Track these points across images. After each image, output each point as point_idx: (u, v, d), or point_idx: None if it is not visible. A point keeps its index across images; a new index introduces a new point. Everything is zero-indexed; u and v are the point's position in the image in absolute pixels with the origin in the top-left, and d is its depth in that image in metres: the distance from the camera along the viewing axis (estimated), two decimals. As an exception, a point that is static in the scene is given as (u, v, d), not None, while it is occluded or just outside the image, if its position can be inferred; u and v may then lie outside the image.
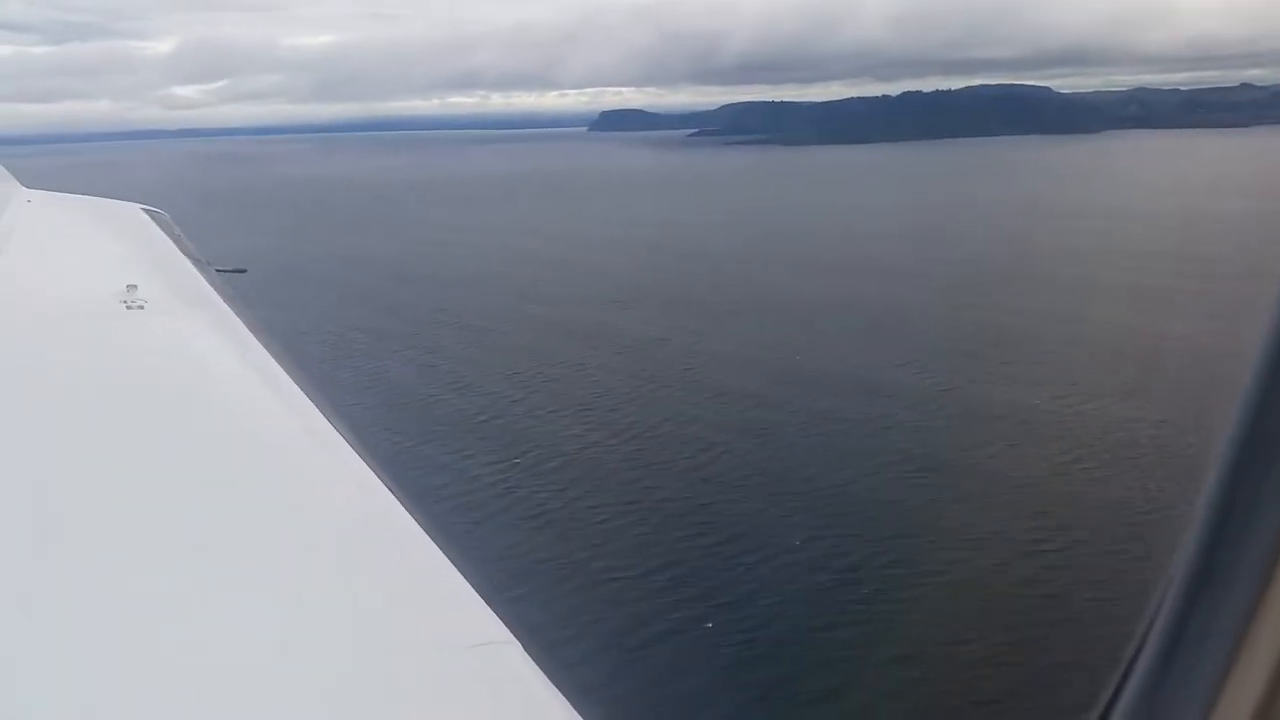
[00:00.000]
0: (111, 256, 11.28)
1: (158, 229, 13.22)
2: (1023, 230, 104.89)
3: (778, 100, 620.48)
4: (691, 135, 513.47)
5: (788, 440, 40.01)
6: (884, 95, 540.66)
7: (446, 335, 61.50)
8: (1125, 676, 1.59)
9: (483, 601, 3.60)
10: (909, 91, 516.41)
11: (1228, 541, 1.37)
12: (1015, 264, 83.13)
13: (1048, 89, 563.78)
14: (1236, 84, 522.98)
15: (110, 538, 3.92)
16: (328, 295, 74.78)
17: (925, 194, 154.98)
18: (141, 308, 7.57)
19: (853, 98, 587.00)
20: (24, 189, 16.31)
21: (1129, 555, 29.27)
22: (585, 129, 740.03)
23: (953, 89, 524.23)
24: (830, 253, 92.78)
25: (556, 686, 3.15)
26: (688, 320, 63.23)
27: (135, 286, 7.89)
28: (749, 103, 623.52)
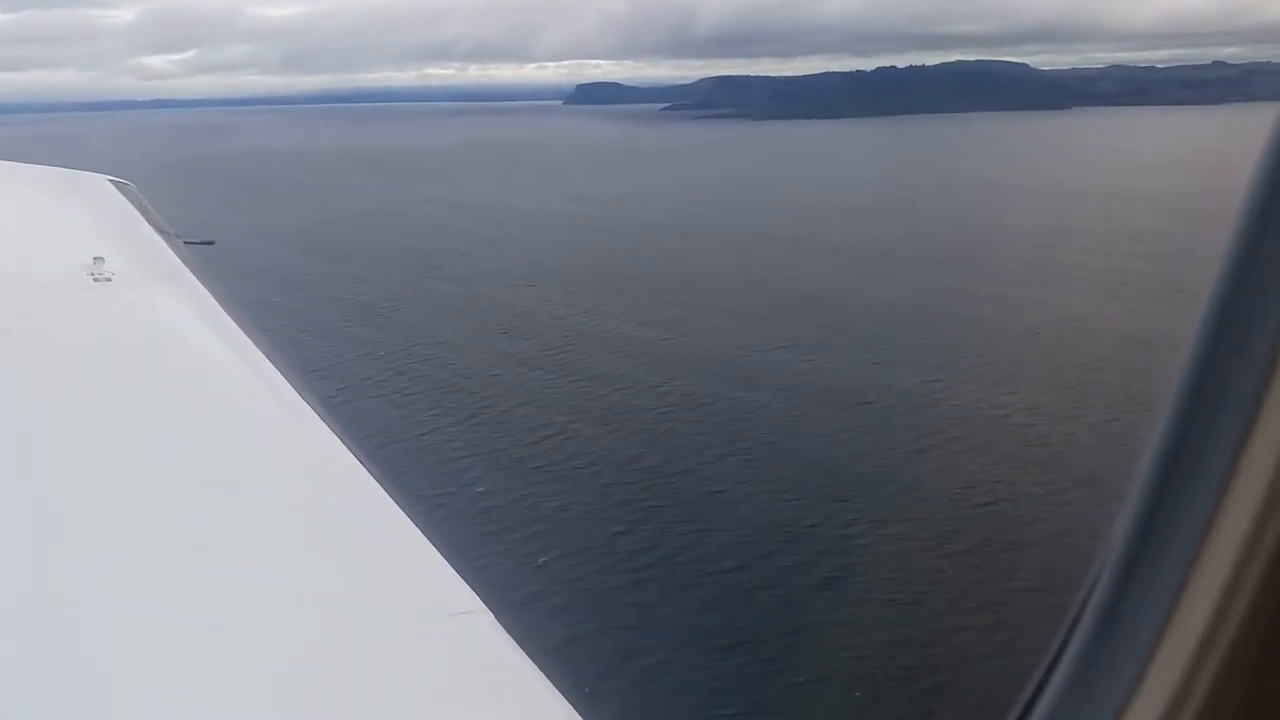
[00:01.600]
0: (77, 228, 11.09)
1: (125, 200, 12.88)
2: (975, 207, 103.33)
3: (752, 75, 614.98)
4: (664, 109, 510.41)
5: (634, 426, 38.52)
6: (858, 70, 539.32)
7: (329, 311, 59.61)
8: (1047, 674, 1.58)
9: (454, 571, 3.59)
10: (883, 67, 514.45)
11: (1154, 534, 1.38)
12: (958, 242, 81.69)
13: (1024, 65, 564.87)
14: (1209, 61, 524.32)
15: (79, 511, 3.95)
16: (230, 266, 72.64)
17: (885, 169, 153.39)
18: (109, 280, 7.46)
19: (826, 72, 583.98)
20: None
21: (940, 550, 28.10)
22: (561, 102, 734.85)
23: (927, 64, 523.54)
24: (770, 229, 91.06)
25: (528, 654, 3.18)
26: (590, 300, 61.62)
27: (102, 259, 7.77)
28: (723, 77, 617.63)
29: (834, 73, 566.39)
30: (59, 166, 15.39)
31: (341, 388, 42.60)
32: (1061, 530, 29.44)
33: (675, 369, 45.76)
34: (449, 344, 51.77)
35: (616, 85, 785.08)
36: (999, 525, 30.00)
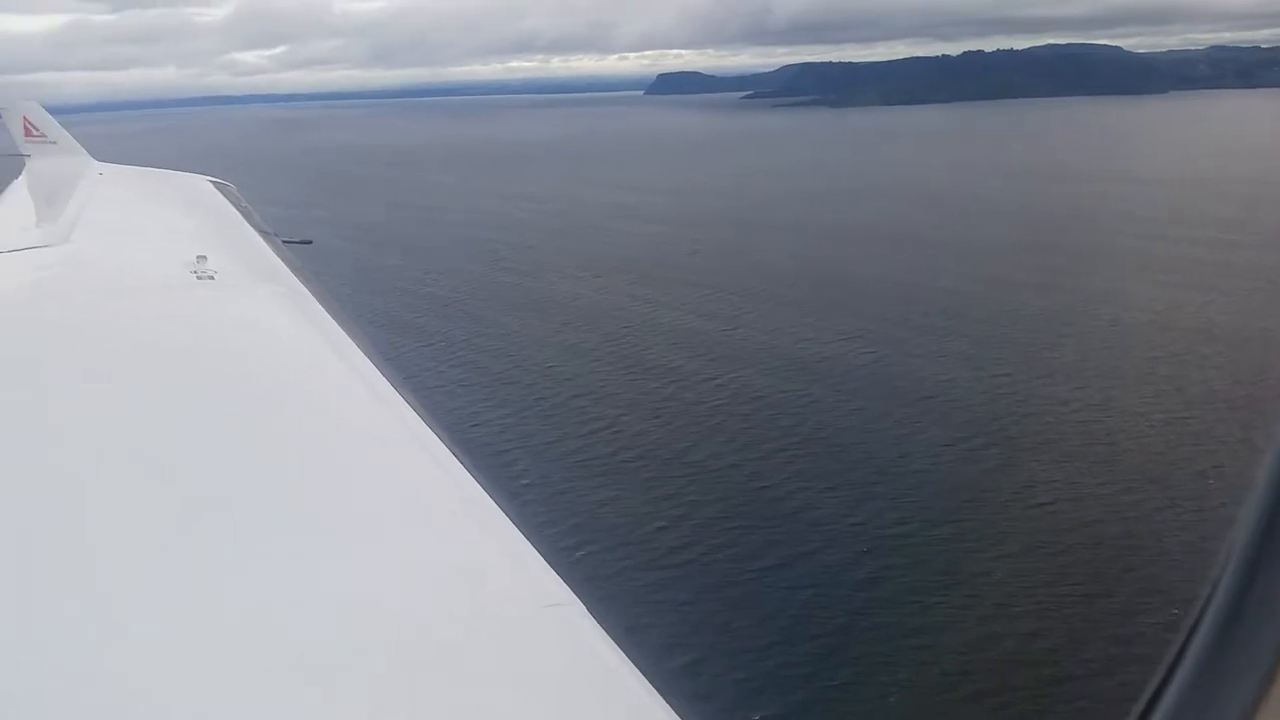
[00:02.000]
0: (180, 228, 11.45)
1: (225, 200, 13.41)
2: (1045, 194, 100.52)
3: (835, 61, 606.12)
4: (745, 98, 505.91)
5: (685, 419, 38.05)
6: (943, 55, 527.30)
7: (393, 301, 60.19)
8: (1165, 681, 1.55)
9: (547, 565, 3.63)
10: (970, 51, 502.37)
11: (1276, 542, 1.35)
12: (1023, 230, 79.48)
13: (1117, 48, 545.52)
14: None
15: (186, 503, 4.03)
16: (321, 262, 73.91)
17: (967, 156, 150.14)
18: (211, 278, 7.61)
19: (911, 58, 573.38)
20: (95, 162, 17.27)
21: (992, 552, 27.13)
22: (642, 92, 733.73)
23: (1016, 49, 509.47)
24: (830, 217, 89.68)
25: (620, 646, 3.20)
26: (650, 290, 61.25)
27: (205, 258, 7.93)
28: (806, 64, 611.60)
29: (919, 58, 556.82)
30: (159, 163, 16.61)
31: (407, 378, 42.93)
32: (1124, 532, 28.24)
33: (731, 361, 45.14)
34: (509, 334, 51.90)
35: (698, 74, 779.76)
36: (1055, 526, 28.85)
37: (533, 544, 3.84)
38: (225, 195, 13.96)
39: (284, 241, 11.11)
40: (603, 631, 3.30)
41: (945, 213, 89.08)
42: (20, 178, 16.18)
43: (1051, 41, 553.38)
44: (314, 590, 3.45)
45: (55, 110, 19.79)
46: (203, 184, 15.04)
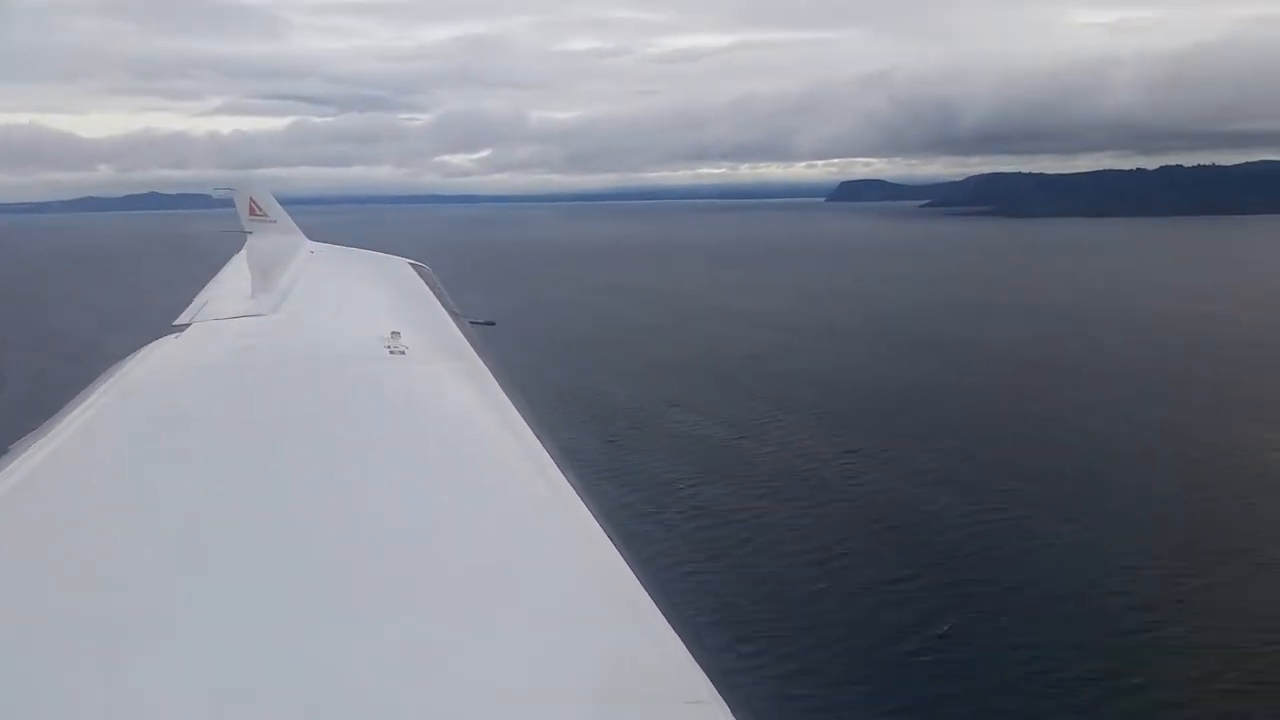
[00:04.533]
0: (379, 305, 12.35)
1: (421, 281, 14.30)
2: (1179, 314, 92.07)
3: (1022, 171, 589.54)
4: (923, 206, 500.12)
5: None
6: (1138, 169, 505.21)
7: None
8: None
9: (693, 659, 3.60)
10: (1167, 165, 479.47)
11: None
12: (1129, 358, 71.49)
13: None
14: None
15: (363, 562, 4.22)
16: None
17: (1137, 269, 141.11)
18: (403, 353, 8.20)
19: (1101, 170, 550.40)
20: (309, 241, 18.78)
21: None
22: (823, 199, 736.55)
23: (1220, 164, 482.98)
24: (946, 331, 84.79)
25: None
26: (697, 394, 59.77)
27: (399, 333, 8.57)
28: (992, 174, 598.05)
29: (1109, 170, 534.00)
30: (368, 247, 17.61)
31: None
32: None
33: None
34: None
35: (880, 182, 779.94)
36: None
37: (679, 634, 3.78)
38: (421, 276, 14.64)
39: (471, 322, 11.59)
40: None
41: (1043, 328, 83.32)
42: (241, 252, 17.77)
43: (1265, 158, 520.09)
44: (453, 676, 3.45)
45: (283, 200, 22.38)
46: (402, 265, 15.88)
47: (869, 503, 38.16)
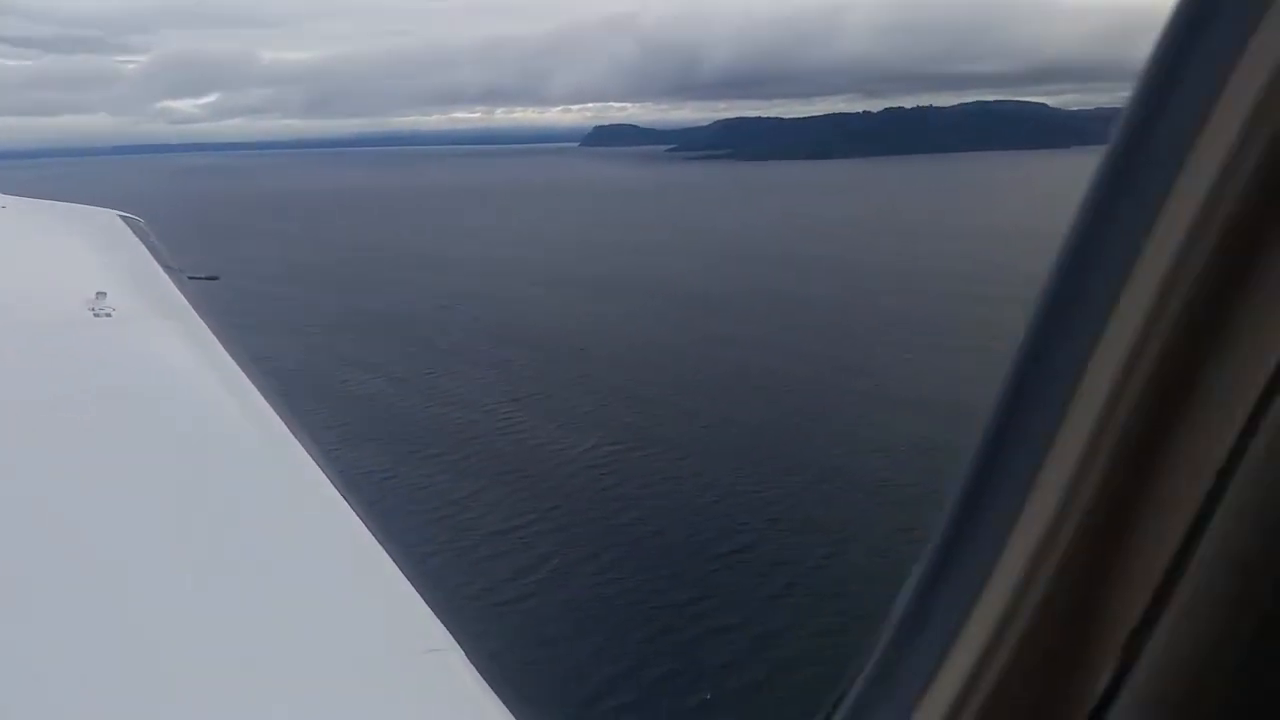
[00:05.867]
0: (82, 263, 11.19)
1: (132, 235, 13.03)
2: (899, 249, 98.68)
3: (765, 116, 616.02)
4: (668, 150, 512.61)
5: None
6: (865, 111, 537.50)
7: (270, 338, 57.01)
8: (856, 672, 1.58)
9: (429, 608, 3.60)
10: (890, 108, 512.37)
11: (963, 536, 1.40)
12: (843, 288, 76.53)
13: (1042, 105, 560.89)
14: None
15: (73, 543, 4.03)
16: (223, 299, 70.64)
17: (852, 209, 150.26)
18: (109, 315, 7.53)
19: (834, 113, 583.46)
20: None
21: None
22: (577, 144, 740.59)
23: (939, 105, 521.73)
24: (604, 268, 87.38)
25: (499, 694, 3.22)
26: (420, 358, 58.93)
27: (104, 294, 7.82)
28: (734, 118, 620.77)
29: (841, 113, 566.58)
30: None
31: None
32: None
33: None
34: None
35: (633, 127, 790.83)
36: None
37: (417, 588, 3.76)
38: (133, 229, 13.48)
39: (190, 278, 10.73)
40: (480, 678, 3.24)
41: (726, 265, 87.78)
42: None
43: (979, 98, 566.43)
44: (190, 630, 3.41)
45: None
46: (111, 218, 14.55)
47: (516, 452, 38.89)
